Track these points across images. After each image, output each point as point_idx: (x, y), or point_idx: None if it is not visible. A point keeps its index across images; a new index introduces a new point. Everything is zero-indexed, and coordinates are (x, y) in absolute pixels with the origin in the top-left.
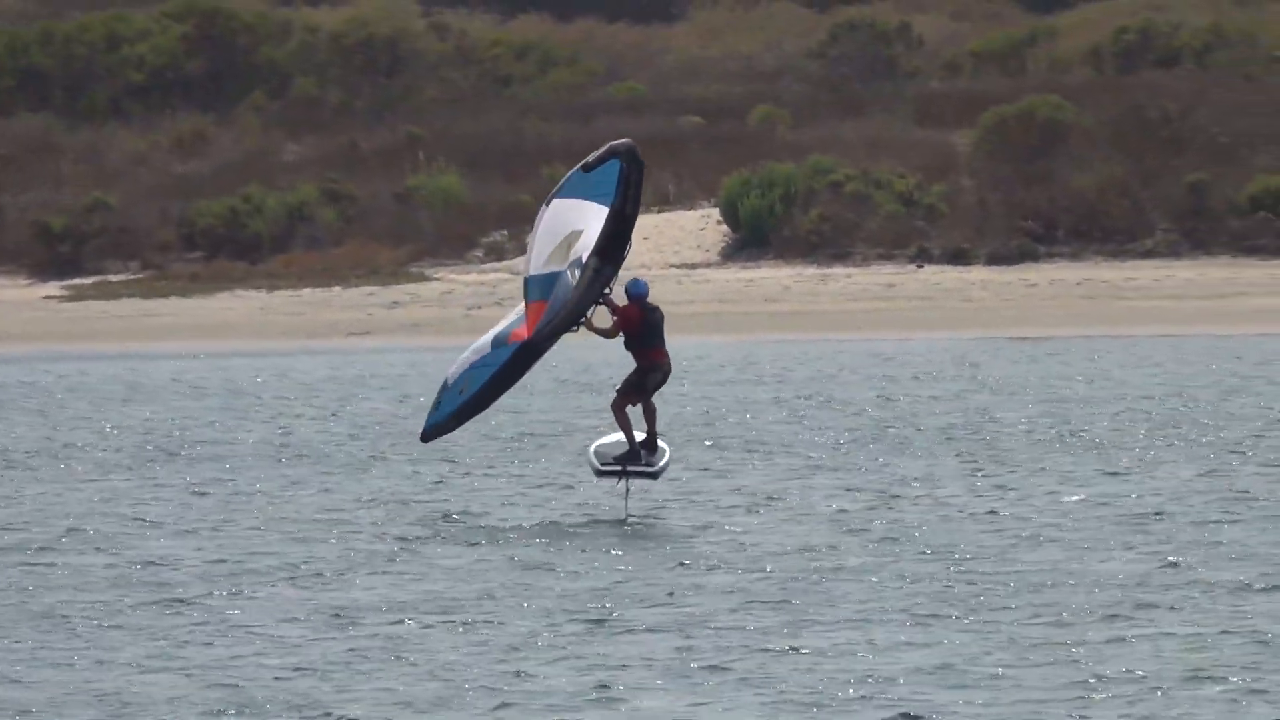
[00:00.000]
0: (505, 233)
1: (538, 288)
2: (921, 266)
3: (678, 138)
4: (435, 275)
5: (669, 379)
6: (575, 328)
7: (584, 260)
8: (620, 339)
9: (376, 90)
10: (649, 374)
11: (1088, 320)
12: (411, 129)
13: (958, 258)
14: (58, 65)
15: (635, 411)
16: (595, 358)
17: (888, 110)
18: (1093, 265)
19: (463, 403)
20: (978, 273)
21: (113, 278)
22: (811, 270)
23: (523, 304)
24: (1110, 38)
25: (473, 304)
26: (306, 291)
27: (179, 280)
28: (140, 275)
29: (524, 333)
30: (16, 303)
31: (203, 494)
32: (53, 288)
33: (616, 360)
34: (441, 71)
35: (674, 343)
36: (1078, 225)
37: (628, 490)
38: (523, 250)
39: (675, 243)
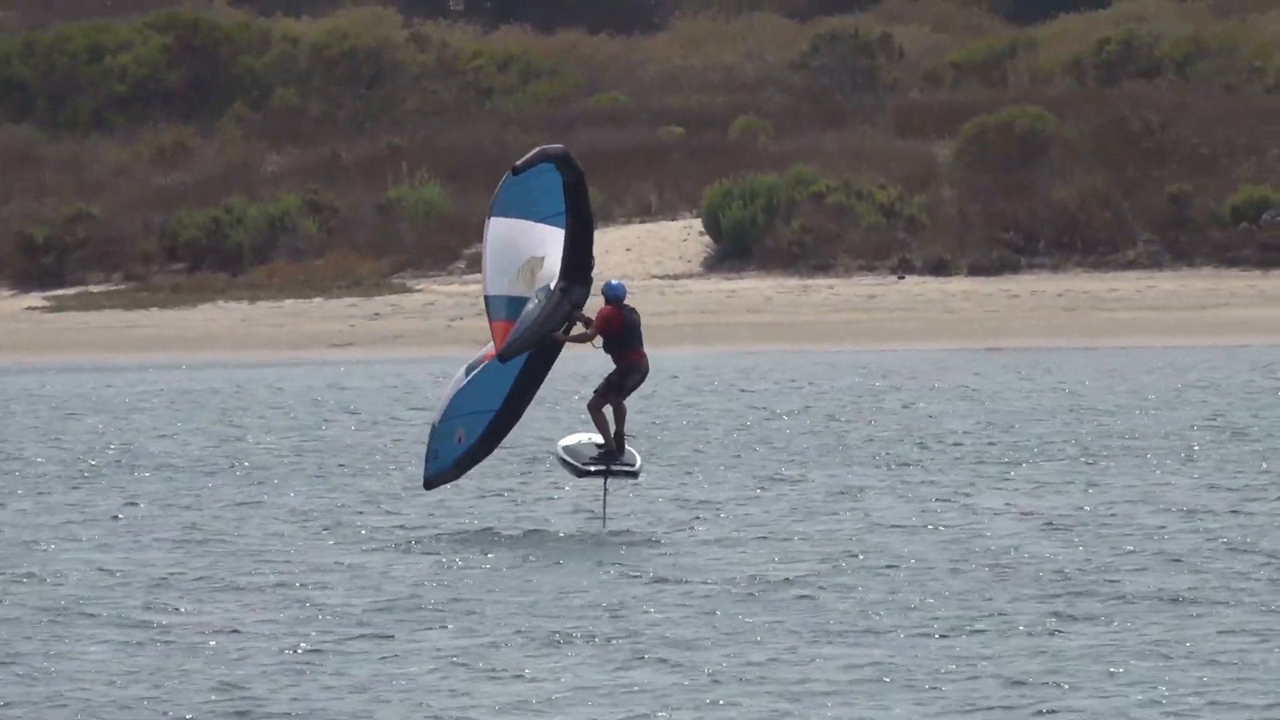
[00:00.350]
0: None
1: (501, 307)
2: (903, 277)
3: (659, 148)
4: (417, 287)
5: (646, 379)
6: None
7: (552, 288)
8: (598, 342)
9: (358, 101)
10: (629, 374)
11: (1069, 331)
12: (393, 140)
13: (939, 269)
14: (39, 76)
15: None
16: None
17: (869, 121)
18: (1074, 276)
19: (464, 451)
20: (959, 284)
21: (95, 288)
22: (793, 281)
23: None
24: (1091, 49)
25: (455, 315)
26: (288, 303)
27: (161, 291)
28: (122, 286)
29: (494, 352)
30: None
31: (132, 505)
32: (35, 298)
33: (586, 370)
34: (423, 83)
35: (655, 354)
36: (1059, 236)
37: (606, 490)
38: None
39: (657, 253)
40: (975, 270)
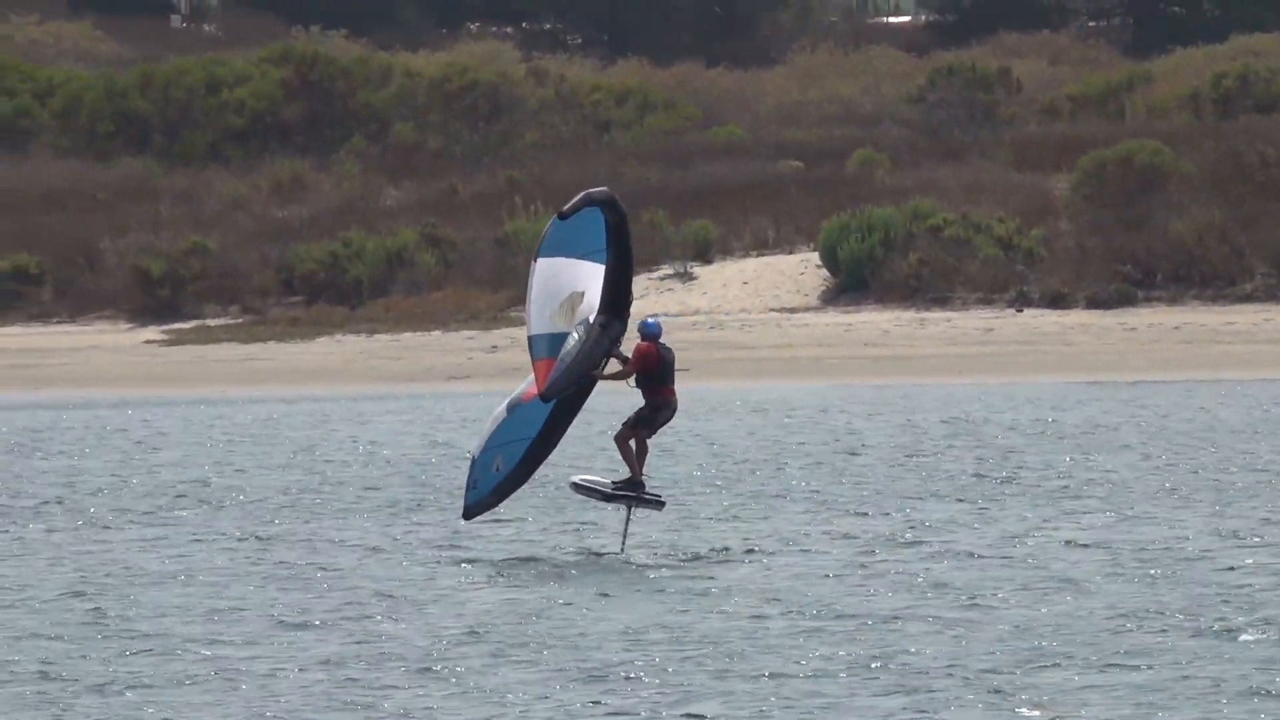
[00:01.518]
0: None
1: (543, 346)
2: (1020, 310)
3: (776, 182)
4: None
5: (675, 416)
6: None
7: (591, 322)
8: (631, 381)
9: (476, 135)
10: (660, 410)
11: (1185, 365)
12: (510, 173)
13: (1056, 301)
14: (156, 110)
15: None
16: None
17: (986, 154)
18: (1191, 310)
19: (500, 480)
20: (1076, 316)
21: (212, 322)
22: (910, 314)
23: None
24: (1208, 83)
25: None
26: (406, 336)
27: (278, 325)
28: (240, 320)
29: (535, 392)
30: (117, 347)
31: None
32: (152, 332)
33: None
34: (541, 116)
35: (770, 386)
36: (1176, 270)
37: (628, 519)
38: None
39: (774, 286)
40: (1093, 303)
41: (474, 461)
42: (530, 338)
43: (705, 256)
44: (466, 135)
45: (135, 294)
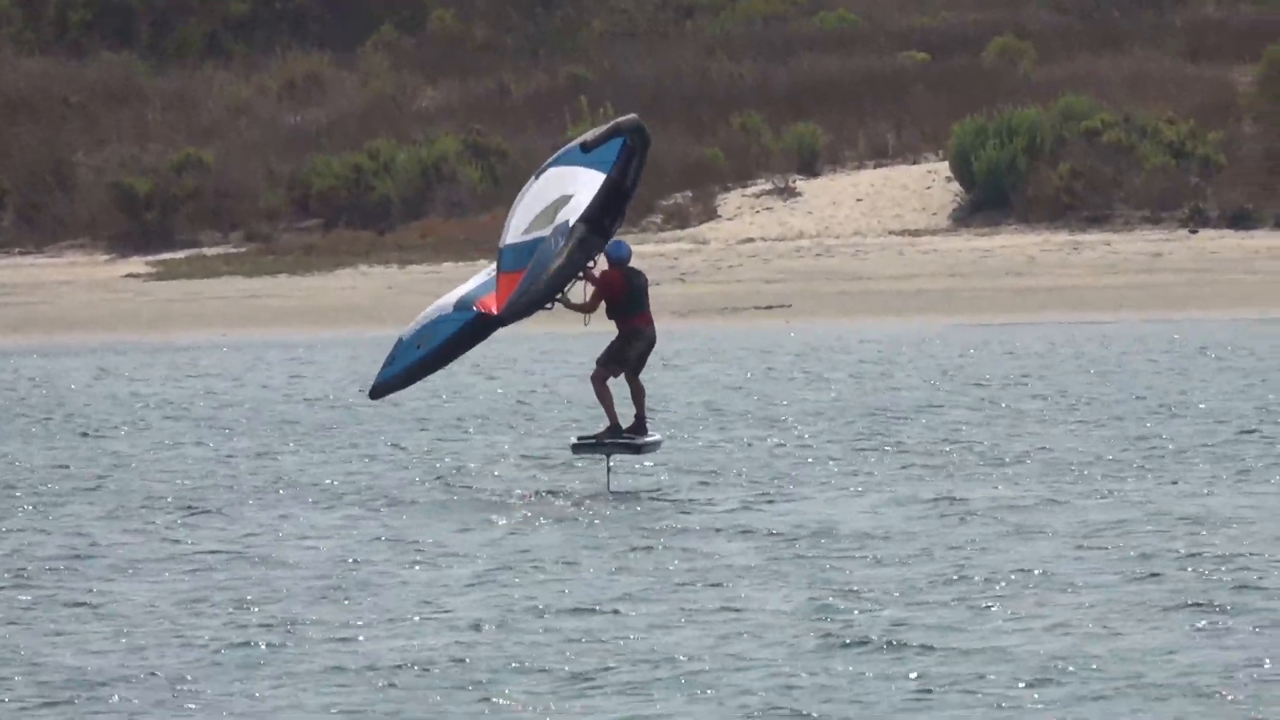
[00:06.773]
0: (689, 194)
1: (514, 257)
2: (1195, 231)
3: (897, 78)
4: None
5: (654, 348)
6: (550, 305)
7: (570, 225)
8: (587, 320)
9: (531, 24)
10: (632, 341)
11: None
12: (573, 70)
13: (1239, 221)
14: None
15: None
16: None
17: (1154, 42)
18: None
19: (417, 358)
20: (1263, 239)
21: (209, 251)
22: (1061, 237)
23: (493, 268)
24: None
25: (650, 280)
26: (446, 266)
27: (290, 254)
28: (243, 249)
29: (492, 303)
30: (93, 282)
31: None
32: (137, 264)
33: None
34: (611, 1)
35: (891, 325)
36: None
37: (609, 469)
38: (709, 215)
39: (895, 204)
40: None
41: (399, 341)
42: (502, 249)
43: (811, 168)
44: (520, 24)
45: (115, 218)
